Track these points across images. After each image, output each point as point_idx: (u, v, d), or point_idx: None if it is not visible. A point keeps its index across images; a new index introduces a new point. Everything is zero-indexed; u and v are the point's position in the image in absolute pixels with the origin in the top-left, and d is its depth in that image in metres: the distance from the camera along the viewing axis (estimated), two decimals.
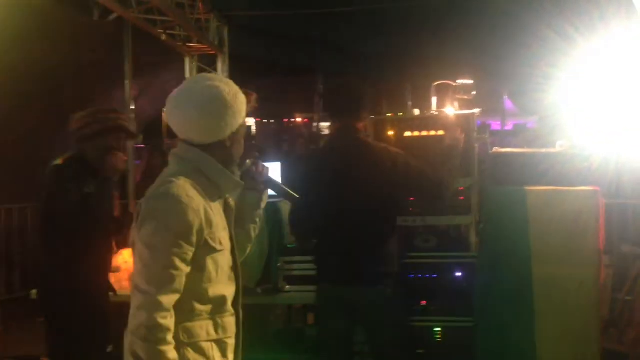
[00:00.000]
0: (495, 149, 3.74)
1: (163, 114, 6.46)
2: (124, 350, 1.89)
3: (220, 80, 2.03)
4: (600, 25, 4.58)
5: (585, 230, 3.17)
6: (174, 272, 1.85)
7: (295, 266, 4.03)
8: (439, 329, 3.56)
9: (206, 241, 1.94)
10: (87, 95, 8.12)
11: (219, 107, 1.97)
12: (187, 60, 8.41)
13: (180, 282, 1.87)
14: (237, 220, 2.19)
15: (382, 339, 3.13)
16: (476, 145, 3.53)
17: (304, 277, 3.90)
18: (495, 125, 13.41)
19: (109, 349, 3.19)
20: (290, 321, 4.53)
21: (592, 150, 3.60)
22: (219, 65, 8.63)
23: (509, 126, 13.51)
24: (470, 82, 3.71)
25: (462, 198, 3.53)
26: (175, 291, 1.86)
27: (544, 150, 3.55)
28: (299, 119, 17.51)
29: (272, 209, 3.87)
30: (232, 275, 2.08)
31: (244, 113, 2.05)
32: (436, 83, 3.72)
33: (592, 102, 4.62)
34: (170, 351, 1.83)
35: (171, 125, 2.04)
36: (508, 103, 13.55)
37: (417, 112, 3.70)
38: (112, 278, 3.51)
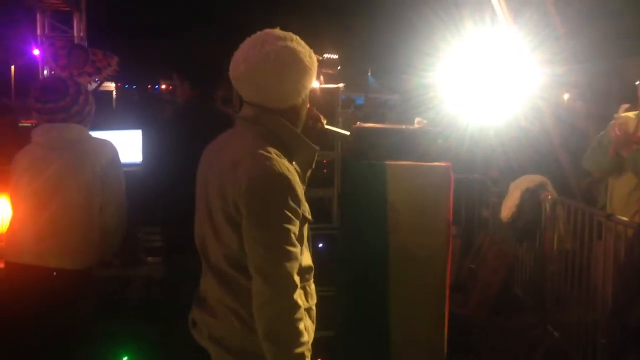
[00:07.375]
0: (358, 124, 3.84)
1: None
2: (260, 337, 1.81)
3: (291, 40, 1.87)
4: (461, 16, 4.88)
5: (437, 203, 3.37)
6: (296, 250, 1.81)
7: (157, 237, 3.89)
8: None
9: (303, 212, 1.88)
10: None
11: (298, 70, 1.84)
12: (38, 16, 7.75)
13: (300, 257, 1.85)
14: None
15: None
16: (340, 120, 3.61)
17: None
18: (359, 100, 13.89)
19: None
20: (150, 293, 4.39)
21: (446, 128, 3.83)
22: (75, 23, 8.05)
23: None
24: (336, 57, 3.78)
25: (325, 171, 3.61)
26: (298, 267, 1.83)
27: (403, 126, 3.71)
28: (163, 86, 16.88)
29: None
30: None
31: (315, 73, 1.93)
32: None
33: (451, 86, 4.94)
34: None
35: (241, 89, 1.88)
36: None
37: None
38: None
